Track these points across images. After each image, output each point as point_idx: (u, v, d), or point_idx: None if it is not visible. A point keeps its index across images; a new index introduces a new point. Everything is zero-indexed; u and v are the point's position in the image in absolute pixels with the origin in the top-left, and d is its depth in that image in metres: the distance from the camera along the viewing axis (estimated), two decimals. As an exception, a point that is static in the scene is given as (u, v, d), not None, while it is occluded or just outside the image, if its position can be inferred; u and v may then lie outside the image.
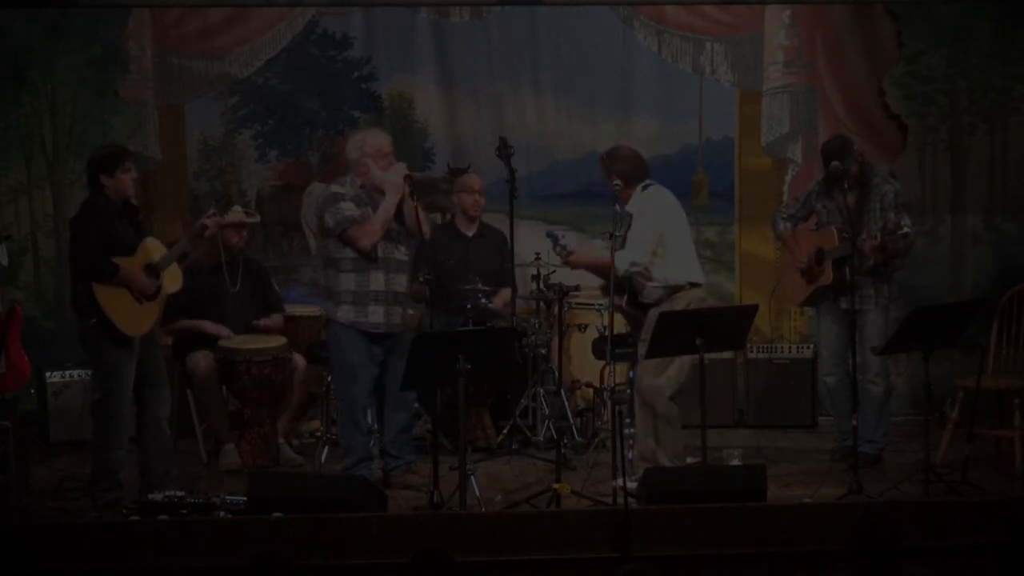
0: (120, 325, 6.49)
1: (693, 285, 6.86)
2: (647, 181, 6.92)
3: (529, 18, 8.72)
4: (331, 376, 7.50)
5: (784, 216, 7.54)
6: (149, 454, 6.71)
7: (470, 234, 8.06)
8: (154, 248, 6.70)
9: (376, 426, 7.24)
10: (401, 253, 6.91)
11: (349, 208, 6.77)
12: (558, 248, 7.02)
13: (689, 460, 7.12)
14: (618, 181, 6.84)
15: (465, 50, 8.78)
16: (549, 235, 7.25)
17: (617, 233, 6.61)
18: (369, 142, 6.88)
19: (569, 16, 8.71)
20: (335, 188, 6.89)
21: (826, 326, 7.44)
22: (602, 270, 6.86)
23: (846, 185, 7.01)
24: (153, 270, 6.62)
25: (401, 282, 6.91)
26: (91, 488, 6.69)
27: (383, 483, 6.80)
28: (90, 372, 7.72)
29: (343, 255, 6.81)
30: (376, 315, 6.81)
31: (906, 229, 7.06)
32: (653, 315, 6.73)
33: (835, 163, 7.08)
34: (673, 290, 6.81)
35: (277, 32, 8.66)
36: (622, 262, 6.71)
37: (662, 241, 6.80)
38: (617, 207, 6.76)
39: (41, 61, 8.47)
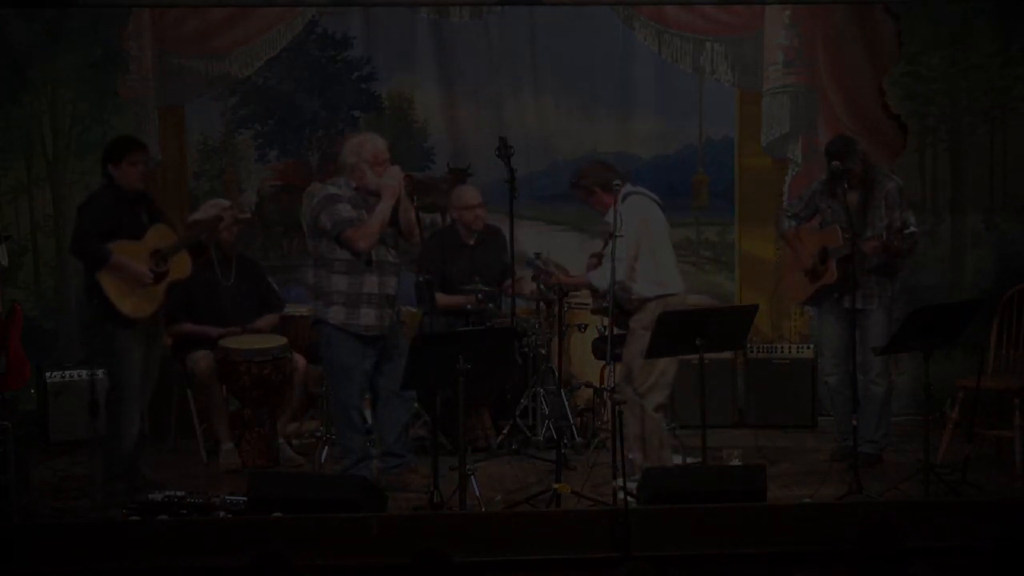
0: (118, 306, 6.53)
1: (666, 296, 6.83)
2: (628, 189, 6.90)
3: (529, 18, 8.72)
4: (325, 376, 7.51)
5: (788, 214, 7.53)
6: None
7: (472, 242, 8.05)
8: (162, 234, 6.73)
9: (372, 425, 7.24)
10: (393, 255, 6.90)
11: (346, 210, 6.75)
12: (541, 275, 7.36)
13: (689, 460, 7.13)
14: (618, 181, 6.84)
15: (465, 50, 8.78)
16: (529, 263, 7.33)
17: (618, 233, 6.60)
18: (368, 148, 6.85)
19: (569, 16, 8.70)
20: (331, 189, 6.88)
21: (828, 325, 7.42)
22: (582, 289, 7.19)
23: (846, 184, 7.00)
24: (160, 255, 6.66)
25: (392, 284, 6.90)
26: (104, 485, 6.70)
27: (380, 485, 6.81)
28: (92, 370, 7.79)
29: (336, 256, 6.79)
30: (368, 317, 6.79)
31: (912, 228, 7.04)
32: (635, 323, 6.80)
33: (835, 163, 7.07)
34: (642, 302, 6.81)
35: (277, 32, 8.66)
36: (603, 282, 6.72)
37: (637, 255, 6.80)
38: (618, 208, 6.75)
39: (41, 61, 8.47)
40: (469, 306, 7.80)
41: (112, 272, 6.55)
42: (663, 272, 6.88)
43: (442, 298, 7.71)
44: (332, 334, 6.82)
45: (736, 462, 7.18)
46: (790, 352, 8.52)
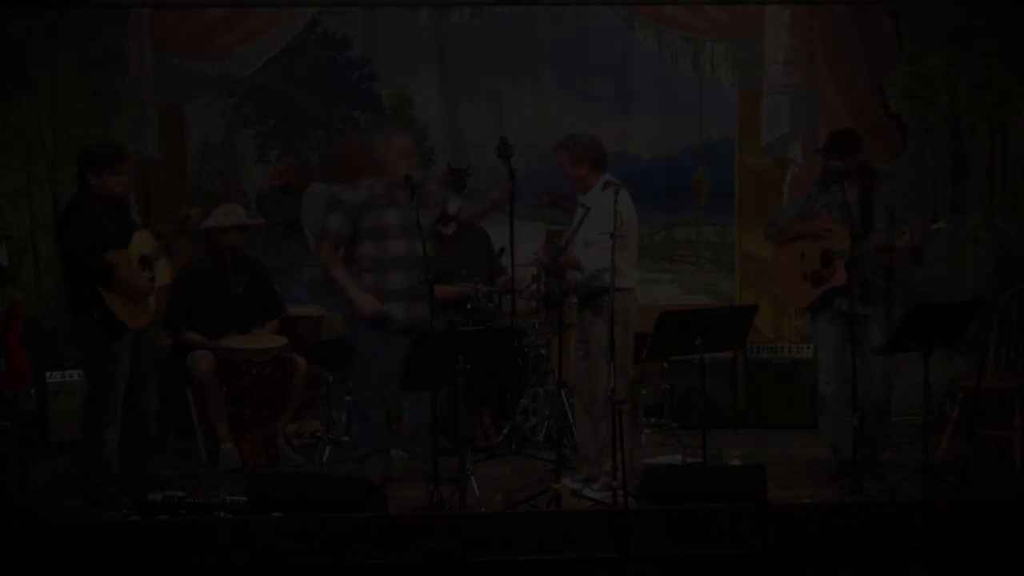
0: (122, 318, 6.53)
1: (619, 290, 6.62)
2: (607, 178, 6.80)
3: (529, 18, 8.73)
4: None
5: (783, 218, 7.37)
6: (126, 446, 6.76)
7: (450, 232, 8.05)
8: (145, 240, 6.72)
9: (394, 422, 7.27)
10: (418, 250, 6.93)
11: (335, 221, 6.89)
12: (553, 251, 7.09)
13: (689, 460, 7.13)
14: (617, 182, 6.80)
15: (465, 50, 8.79)
16: (550, 242, 7.28)
17: (619, 232, 6.57)
18: (395, 142, 6.96)
19: (569, 16, 8.71)
20: (342, 194, 6.96)
21: (824, 333, 7.15)
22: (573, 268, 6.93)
23: (838, 185, 6.90)
24: (147, 262, 6.65)
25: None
26: (85, 483, 6.72)
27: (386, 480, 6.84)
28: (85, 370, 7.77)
29: (363, 254, 6.87)
30: (396, 312, 6.84)
31: (940, 224, 6.88)
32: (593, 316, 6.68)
33: (836, 163, 6.97)
34: (600, 292, 6.65)
35: (277, 32, 8.66)
36: (591, 264, 6.65)
37: (630, 244, 6.77)
38: (617, 204, 6.68)
39: (41, 61, 8.47)
40: (469, 305, 7.79)
41: (115, 285, 6.52)
42: (625, 266, 6.83)
43: (440, 289, 7.70)
44: (360, 328, 6.90)
45: (736, 462, 7.19)
46: (790, 352, 8.53)
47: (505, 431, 7.74)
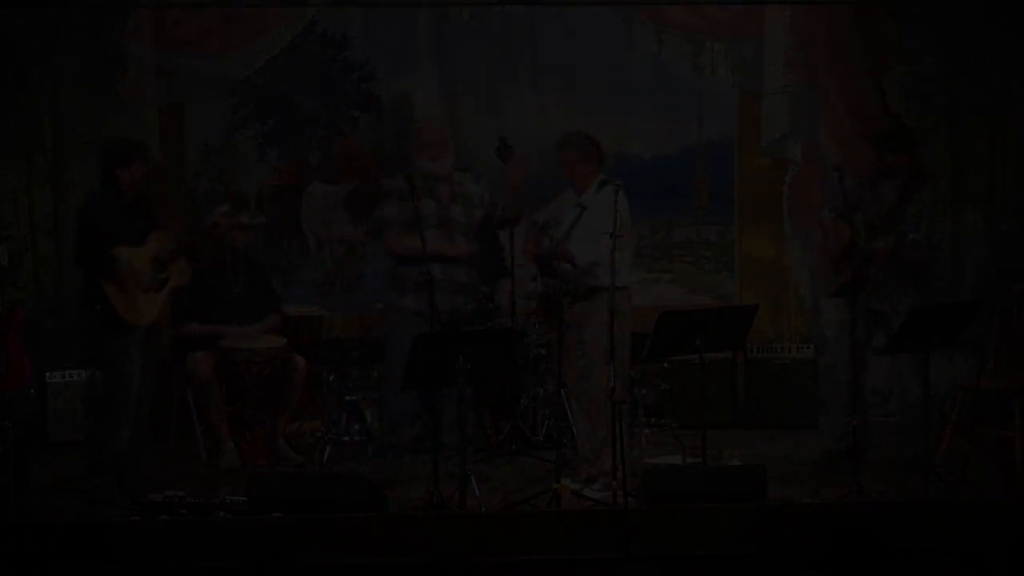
0: (120, 311, 6.54)
1: (618, 288, 6.61)
2: (602, 177, 6.81)
3: (529, 18, 8.73)
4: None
5: (829, 207, 7.37)
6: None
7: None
8: (160, 241, 6.75)
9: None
10: (457, 242, 6.96)
11: (392, 209, 7.09)
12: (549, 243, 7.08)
13: (689, 460, 7.13)
14: (619, 182, 6.78)
15: (465, 50, 8.80)
16: (535, 224, 7.29)
17: (618, 232, 6.57)
18: (420, 135, 7.35)
19: (569, 16, 8.72)
20: (384, 183, 7.26)
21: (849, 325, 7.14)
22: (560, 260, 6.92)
23: (888, 181, 6.91)
24: (160, 262, 6.68)
25: (464, 273, 7.05)
26: (85, 483, 6.71)
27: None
28: (92, 370, 7.79)
29: (407, 245, 6.94)
30: (440, 304, 6.86)
31: (912, 235, 6.91)
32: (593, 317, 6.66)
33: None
34: (596, 291, 6.65)
35: (277, 32, 8.66)
36: (584, 258, 6.64)
37: (631, 243, 6.76)
38: (617, 204, 6.67)
39: (41, 61, 8.46)
40: (470, 305, 7.79)
41: (117, 280, 6.54)
42: (622, 265, 6.80)
43: None
44: (404, 320, 6.98)
45: (736, 462, 7.19)
46: (790, 352, 8.53)
47: (505, 431, 7.74)
